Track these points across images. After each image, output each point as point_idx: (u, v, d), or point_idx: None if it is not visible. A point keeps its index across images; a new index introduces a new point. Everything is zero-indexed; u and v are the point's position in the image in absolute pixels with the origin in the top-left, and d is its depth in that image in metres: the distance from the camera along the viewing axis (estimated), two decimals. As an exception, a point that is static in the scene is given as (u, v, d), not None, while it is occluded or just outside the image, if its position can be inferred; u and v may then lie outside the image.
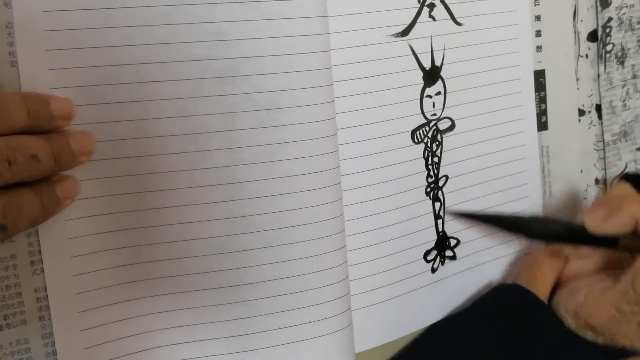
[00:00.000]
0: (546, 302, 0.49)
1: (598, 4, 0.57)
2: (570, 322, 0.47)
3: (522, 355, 0.45)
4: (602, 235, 0.45)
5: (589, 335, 0.46)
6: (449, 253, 0.51)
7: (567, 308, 0.47)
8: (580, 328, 0.46)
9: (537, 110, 0.54)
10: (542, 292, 0.49)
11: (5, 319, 0.37)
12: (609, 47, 0.58)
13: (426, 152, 0.48)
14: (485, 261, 0.53)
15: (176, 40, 0.38)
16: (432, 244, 0.50)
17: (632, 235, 0.45)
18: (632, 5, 0.59)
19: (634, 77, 0.60)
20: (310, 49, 0.41)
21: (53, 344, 0.38)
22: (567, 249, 0.48)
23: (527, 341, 0.46)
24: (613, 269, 0.49)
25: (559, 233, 0.47)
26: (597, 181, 0.59)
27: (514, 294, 0.49)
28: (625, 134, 0.60)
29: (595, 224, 0.45)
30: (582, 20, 0.57)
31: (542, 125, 0.55)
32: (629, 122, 0.60)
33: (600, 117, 0.58)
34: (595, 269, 0.50)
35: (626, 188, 0.47)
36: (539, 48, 0.54)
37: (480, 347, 0.46)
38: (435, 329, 0.49)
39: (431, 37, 0.48)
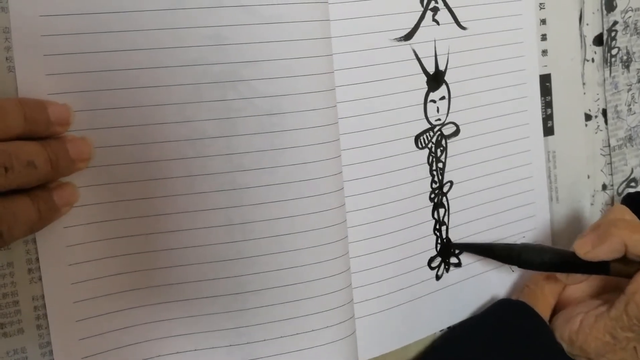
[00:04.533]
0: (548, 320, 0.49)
1: (603, 8, 0.57)
2: (566, 348, 0.47)
3: None
4: (593, 261, 0.45)
5: None
6: (453, 260, 0.50)
7: (562, 335, 0.48)
8: (575, 355, 0.47)
9: (543, 115, 0.54)
10: (543, 312, 0.49)
11: (2, 328, 0.36)
12: (614, 51, 0.58)
13: (430, 157, 0.48)
14: (491, 268, 0.52)
15: (175, 45, 0.38)
16: (436, 251, 0.49)
17: (623, 260, 0.45)
18: (638, 9, 0.58)
19: (640, 81, 0.59)
20: (311, 53, 0.40)
21: (51, 353, 0.37)
22: (561, 277, 0.48)
23: (527, 359, 0.46)
24: (610, 292, 0.49)
25: (551, 262, 0.47)
26: (604, 187, 0.59)
27: (518, 311, 0.49)
28: (630, 139, 0.60)
29: (585, 250, 0.45)
30: (587, 24, 0.56)
31: (548, 130, 0.55)
32: (634, 127, 0.60)
33: (606, 121, 0.58)
34: (591, 293, 0.50)
35: (620, 212, 0.48)
36: (544, 52, 0.54)
37: None
38: (438, 345, 0.49)
39: (435, 41, 0.47)
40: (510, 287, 0.53)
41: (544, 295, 0.50)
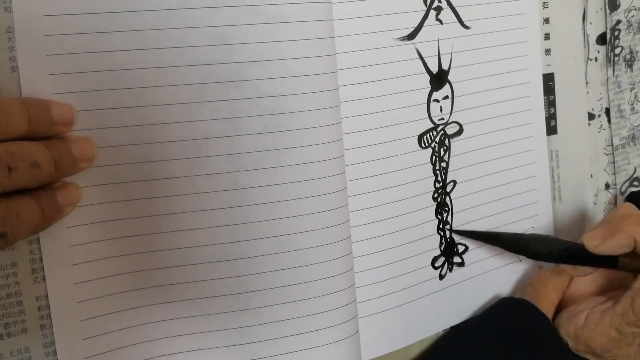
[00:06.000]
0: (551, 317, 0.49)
1: (607, 7, 0.57)
2: (571, 344, 0.47)
3: None
4: (602, 255, 0.45)
5: (589, 358, 0.46)
6: (457, 259, 0.50)
7: (568, 331, 0.48)
8: (580, 351, 0.47)
9: (546, 114, 0.54)
10: (546, 311, 0.49)
11: (5, 328, 0.36)
12: (617, 50, 0.58)
13: (434, 157, 0.48)
14: (494, 268, 0.52)
15: (179, 45, 0.38)
16: (440, 251, 0.49)
17: (632, 255, 0.45)
18: (642, 8, 0.58)
19: (643, 80, 0.59)
20: (314, 52, 0.40)
21: (54, 353, 0.37)
22: (568, 269, 0.48)
23: (531, 357, 0.46)
24: (615, 289, 0.49)
25: (559, 252, 0.47)
26: (607, 186, 0.59)
27: (520, 309, 0.49)
28: (633, 138, 0.60)
29: (595, 243, 0.45)
30: (591, 23, 0.56)
31: (552, 130, 0.55)
32: (637, 126, 0.60)
33: (610, 121, 0.58)
34: (597, 290, 0.50)
35: (630, 208, 0.48)
36: (547, 51, 0.54)
37: None
38: (441, 345, 0.49)
39: (438, 40, 0.47)
40: (513, 287, 0.53)
41: (547, 293, 0.50)
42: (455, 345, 0.49)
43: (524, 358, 0.46)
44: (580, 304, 0.49)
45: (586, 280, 0.50)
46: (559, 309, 0.51)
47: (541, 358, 0.46)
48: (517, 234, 0.50)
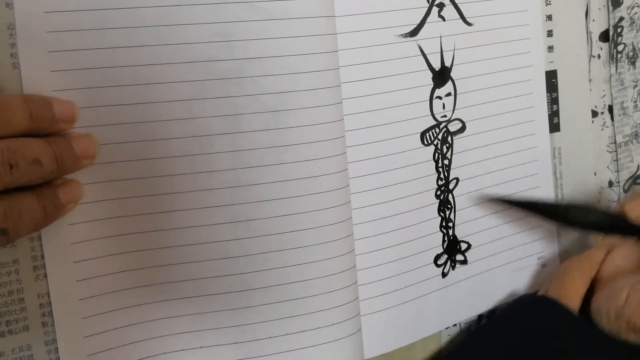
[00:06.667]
0: (577, 312, 0.48)
1: (609, 4, 0.56)
2: (611, 324, 0.46)
3: None
4: None
5: (631, 338, 0.45)
6: (459, 257, 0.50)
7: (609, 310, 0.46)
8: (622, 330, 0.45)
9: (549, 111, 0.54)
10: (573, 301, 0.48)
11: (7, 325, 0.36)
12: (620, 47, 0.57)
13: (436, 154, 0.48)
14: (497, 265, 0.52)
15: (180, 41, 0.38)
16: (443, 248, 0.49)
17: None
18: (644, 5, 0.58)
19: (646, 77, 0.59)
20: (317, 49, 0.40)
21: (56, 350, 0.37)
22: (596, 238, 0.46)
23: (553, 353, 0.45)
24: None
25: (597, 222, 0.46)
26: (610, 183, 0.58)
27: (539, 305, 0.48)
28: (636, 135, 0.59)
29: (638, 212, 0.44)
30: (594, 20, 0.56)
31: (554, 127, 0.54)
32: (640, 124, 0.59)
33: (613, 118, 0.58)
34: (632, 268, 0.49)
35: None
36: (550, 48, 0.54)
37: None
38: (459, 344, 0.49)
39: (441, 37, 0.47)
40: (515, 286, 0.53)
41: (572, 282, 0.49)
42: (474, 346, 0.48)
43: (547, 354, 0.45)
44: (618, 282, 0.47)
45: (619, 259, 0.49)
46: (591, 295, 0.49)
47: (564, 353, 0.45)
48: (555, 201, 0.48)
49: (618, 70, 0.57)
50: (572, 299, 0.48)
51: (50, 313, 0.37)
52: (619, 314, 0.45)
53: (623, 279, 0.47)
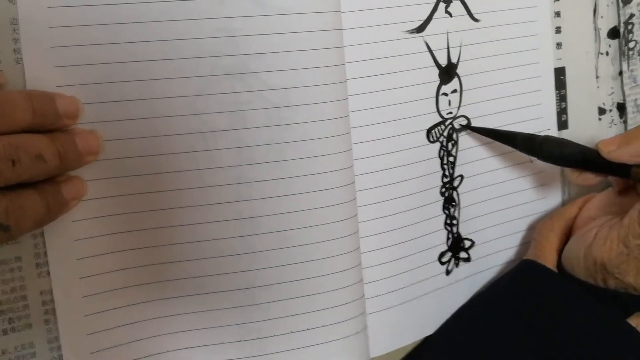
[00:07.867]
0: (555, 267, 0.48)
1: (619, 0, 0.56)
2: (581, 265, 0.46)
3: (539, 326, 0.45)
4: (615, 163, 0.44)
5: (600, 279, 0.45)
6: (463, 255, 0.50)
7: (578, 252, 0.46)
8: (590, 271, 0.45)
9: (557, 108, 0.53)
10: (549, 259, 0.48)
11: (10, 323, 0.36)
12: (631, 44, 0.57)
13: (441, 151, 0.47)
14: (501, 263, 0.52)
15: (184, 37, 0.37)
16: (447, 246, 0.49)
17: None
18: (655, 2, 0.57)
19: (658, 74, 0.59)
20: (321, 45, 0.40)
21: (59, 348, 0.37)
22: (572, 175, 0.47)
23: (536, 312, 0.46)
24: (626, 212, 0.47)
25: (572, 156, 0.46)
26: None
27: (520, 269, 0.49)
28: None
29: (610, 149, 0.44)
30: (602, 17, 0.56)
31: (563, 124, 0.54)
32: (654, 121, 0.59)
33: (621, 116, 0.57)
34: (606, 213, 0.49)
35: None
36: (558, 45, 0.53)
37: (497, 328, 0.46)
38: (455, 317, 0.49)
39: (447, 33, 0.47)
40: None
41: (548, 241, 0.49)
42: (470, 316, 0.49)
43: (534, 315, 0.45)
44: (587, 226, 0.48)
45: (592, 210, 0.49)
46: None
47: (549, 310, 0.46)
48: (532, 134, 0.49)
49: (630, 67, 0.57)
50: (549, 257, 0.48)
51: (53, 310, 0.37)
52: (587, 253, 0.45)
53: (591, 223, 0.48)
